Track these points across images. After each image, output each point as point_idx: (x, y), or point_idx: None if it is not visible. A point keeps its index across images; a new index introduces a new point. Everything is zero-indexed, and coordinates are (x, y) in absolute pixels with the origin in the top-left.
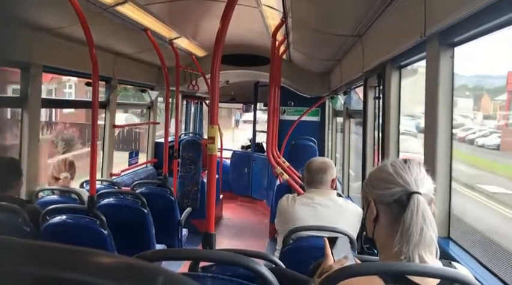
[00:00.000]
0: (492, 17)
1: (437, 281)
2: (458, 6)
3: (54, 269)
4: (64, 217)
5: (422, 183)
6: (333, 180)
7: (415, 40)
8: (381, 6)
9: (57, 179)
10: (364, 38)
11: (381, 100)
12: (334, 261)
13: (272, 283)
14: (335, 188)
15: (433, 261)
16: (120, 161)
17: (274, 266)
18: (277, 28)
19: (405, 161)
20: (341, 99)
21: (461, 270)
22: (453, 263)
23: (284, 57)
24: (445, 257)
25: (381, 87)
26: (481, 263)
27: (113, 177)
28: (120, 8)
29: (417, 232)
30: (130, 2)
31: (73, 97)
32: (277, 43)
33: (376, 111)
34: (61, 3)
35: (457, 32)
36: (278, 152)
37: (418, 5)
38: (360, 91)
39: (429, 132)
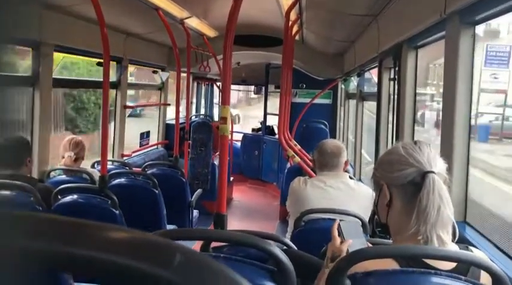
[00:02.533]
0: None
1: (454, 264)
2: None
3: (66, 244)
4: (75, 196)
5: (435, 162)
6: (346, 162)
7: (434, 19)
8: None
9: (64, 158)
10: (380, 18)
11: (396, 82)
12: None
13: (286, 264)
14: (347, 171)
15: (451, 243)
16: None
17: (286, 248)
18: (291, 7)
19: (415, 142)
20: (354, 81)
21: (478, 254)
22: (470, 247)
23: (297, 38)
24: (462, 241)
25: (397, 69)
26: (498, 248)
27: (124, 158)
28: None
29: (434, 211)
30: None
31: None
32: (290, 23)
33: (391, 92)
34: None
35: (479, 9)
36: (289, 135)
37: None
38: (374, 73)
39: (447, 114)
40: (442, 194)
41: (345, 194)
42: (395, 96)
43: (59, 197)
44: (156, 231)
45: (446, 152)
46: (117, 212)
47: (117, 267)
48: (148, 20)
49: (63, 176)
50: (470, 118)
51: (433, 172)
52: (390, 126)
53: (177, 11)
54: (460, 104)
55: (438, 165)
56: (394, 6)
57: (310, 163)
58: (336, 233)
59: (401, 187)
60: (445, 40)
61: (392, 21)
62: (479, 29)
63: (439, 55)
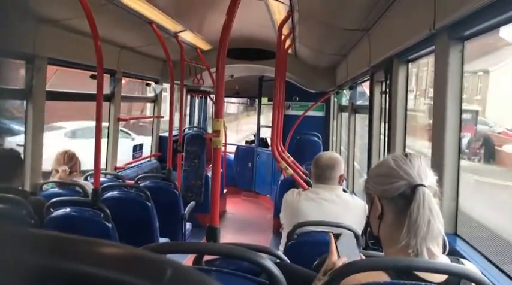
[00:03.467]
0: (504, 10)
1: (445, 277)
2: None
3: (58, 259)
4: (68, 209)
5: (426, 175)
6: (341, 176)
7: (424, 34)
8: None
9: (58, 172)
10: (371, 32)
11: (387, 95)
12: (339, 257)
13: (278, 277)
14: (341, 184)
15: (441, 256)
16: None
17: (278, 260)
18: (283, 21)
19: (406, 155)
20: (346, 94)
21: (469, 266)
22: (461, 259)
23: (289, 51)
24: (453, 253)
25: (388, 82)
26: (489, 260)
27: (117, 170)
28: (125, 0)
29: (425, 224)
30: None
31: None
32: (283, 37)
33: (383, 105)
34: None
35: (468, 25)
36: (283, 147)
37: None
38: (365, 86)
39: (437, 127)
40: (432, 207)
41: (339, 207)
42: (387, 109)
43: (52, 210)
44: (147, 245)
45: (437, 164)
46: (109, 225)
47: (108, 283)
48: (142, 33)
49: (56, 189)
50: (460, 131)
51: (423, 185)
52: (382, 137)
53: (171, 25)
54: (450, 118)
55: (429, 178)
56: (385, 21)
57: (303, 175)
58: (333, 247)
59: (392, 200)
60: (435, 55)
61: (383, 35)
62: None
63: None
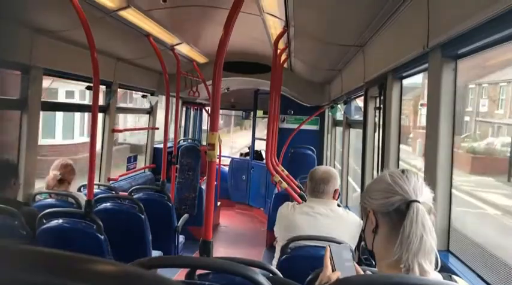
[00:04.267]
0: (497, 29)
1: None
2: (462, 18)
3: (50, 276)
4: (61, 220)
5: (421, 192)
6: (336, 191)
7: (418, 51)
8: (383, 16)
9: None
10: (366, 48)
11: (381, 111)
12: (334, 271)
13: None
14: (336, 199)
15: (433, 272)
16: None
17: (271, 275)
18: (279, 36)
19: (403, 171)
20: (341, 109)
21: (461, 283)
22: (453, 276)
23: (285, 65)
24: (445, 270)
25: (382, 98)
26: (481, 278)
27: (111, 182)
28: (122, 13)
29: (417, 239)
30: (133, 8)
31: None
32: (278, 51)
33: (377, 121)
34: (64, 6)
35: (460, 44)
36: (277, 161)
37: (421, 16)
38: (360, 101)
39: (430, 144)
40: (425, 223)
41: (333, 222)
42: (381, 125)
43: (44, 221)
44: (139, 259)
45: (430, 181)
46: (102, 237)
47: None
48: (139, 46)
49: (49, 200)
50: (453, 148)
51: (417, 201)
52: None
53: (167, 38)
54: (443, 134)
55: (424, 194)
56: (380, 38)
57: (297, 189)
58: (328, 261)
59: (386, 215)
60: (428, 72)
61: (377, 52)
62: None
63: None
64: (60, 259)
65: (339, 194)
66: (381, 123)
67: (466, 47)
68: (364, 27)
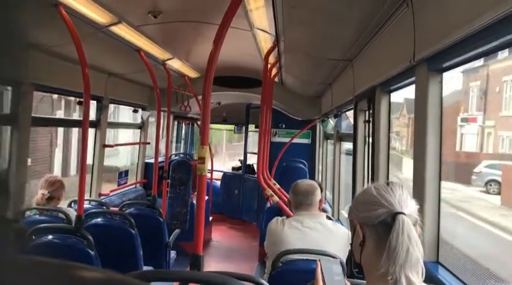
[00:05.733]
0: (480, 43)
1: None
2: (446, 32)
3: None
4: (50, 236)
5: (406, 204)
6: (320, 201)
7: (405, 65)
8: (371, 31)
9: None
10: (355, 62)
11: (370, 124)
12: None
13: None
14: (324, 211)
15: (420, 283)
16: None
17: None
18: (270, 51)
19: (388, 183)
20: (332, 122)
21: None
22: None
23: (276, 79)
24: (434, 281)
25: (371, 111)
26: None
27: (102, 197)
28: (113, 29)
29: (403, 252)
30: (124, 23)
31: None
32: (269, 66)
33: (366, 134)
34: (55, 22)
35: (445, 57)
36: (269, 174)
37: (407, 31)
38: (350, 114)
39: (418, 155)
40: (411, 235)
41: (323, 236)
42: (370, 138)
43: (34, 237)
44: (130, 272)
45: (418, 192)
46: (92, 253)
47: None
48: (130, 61)
49: (39, 216)
50: (441, 160)
51: (403, 213)
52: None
53: (158, 53)
54: (431, 146)
55: (409, 206)
56: (368, 52)
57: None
58: (319, 276)
59: (373, 227)
60: (415, 85)
61: (366, 65)
62: None
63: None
64: (48, 266)
65: (330, 207)
66: (370, 135)
67: (450, 60)
68: (352, 42)
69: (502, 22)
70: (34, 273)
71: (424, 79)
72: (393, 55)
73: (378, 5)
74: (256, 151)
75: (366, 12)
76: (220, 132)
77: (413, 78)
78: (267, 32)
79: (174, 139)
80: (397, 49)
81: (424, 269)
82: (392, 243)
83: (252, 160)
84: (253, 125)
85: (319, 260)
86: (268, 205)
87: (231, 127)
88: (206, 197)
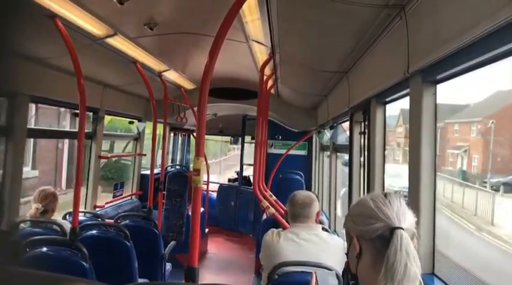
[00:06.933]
0: (473, 55)
1: None
2: (439, 45)
3: None
4: (45, 248)
5: (405, 217)
6: (317, 213)
7: (399, 77)
8: (366, 43)
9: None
10: (350, 74)
11: (366, 135)
12: None
13: None
14: (321, 222)
15: None
16: None
17: None
18: (265, 63)
19: (385, 195)
20: (328, 134)
21: None
22: None
23: (272, 91)
24: None
25: (366, 122)
26: None
27: (97, 209)
28: (109, 41)
29: (401, 268)
30: (120, 35)
31: None
32: (265, 77)
33: (362, 145)
34: (51, 34)
35: (439, 69)
36: (265, 186)
37: (401, 44)
38: (346, 126)
39: (413, 167)
40: (409, 251)
41: (318, 248)
42: (366, 149)
43: (28, 249)
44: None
45: (413, 204)
46: (87, 265)
47: None
48: (126, 72)
49: (33, 228)
50: (435, 171)
51: (401, 228)
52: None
53: (155, 64)
54: (425, 157)
55: (408, 220)
56: (363, 64)
57: (285, 215)
58: None
59: (370, 241)
60: (410, 97)
61: (361, 77)
62: None
63: None
64: (39, 279)
65: (327, 218)
66: (366, 146)
67: (444, 72)
68: (347, 54)
69: (495, 34)
70: None
71: (418, 91)
72: (387, 67)
73: (372, 17)
74: (252, 162)
75: (360, 25)
76: (216, 143)
77: (407, 90)
78: (262, 44)
79: (171, 150)
80: (392, 61)
81: (422, 284)
82: (390, 259)
83: (248, 171)
84: (250, 136)
85: (315, 273)
86: (265, 216)
87: (227, 138)
88: (202, 209)
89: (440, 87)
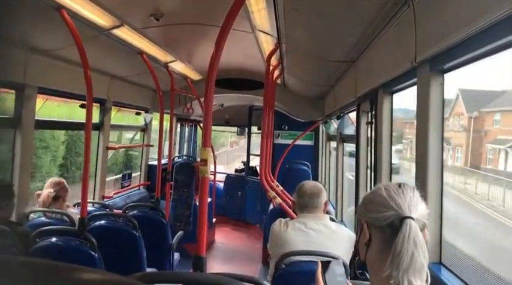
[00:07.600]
0: (481, 44)
1: None
2: (447, 33)
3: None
4: (54, 239)
5: (416, 208)
6: (325, 203)
7: (406, 66)
8: (373, 32)
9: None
10: (357, 64)
11: (373, 125)
12: None
13: None
14: (328, 212)
15: None
16: None
17: None
18: (272, 53)
19: (399, 185)
20: (334, 124)
21: None
22: None
23: (278, 81)
24: (437, 283)
25: (373, 112)
26: None
27: (105, 199)
28: (116, 32)
29: (408, 257)
30: (126, 26)
31: None
32: (271, 68)
33: (369, 135)
34: (58, 25)
35: (446, 59)
36: (272, 176)
37: (409, 32)
38: (353, 116)
39: (420, 156)
40: (417, 240)
41: (326, 237)
42: (373, 139)
43: (37, 240)
44: (133, 274)
45: (421, 193)
46: (96, 255)
47: None
48: (133, 63)
49: (43, 218)
50: (442, 161)
51: (411, 217)
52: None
53: (161, 55)
54: (433, 147)
55: (419, 210)
56: (370, 53)
57: (292, 205)
58: (319, 277)
59: (380, 229)
60: (417, 86)
61: (368, 67)
62: None
63: None
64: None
65: (333, 208)
66: (373, 137)
67: (452, 62)
68: (354, 44)
69: (503, 23)
70: (34, 276)
71: (425, 81)
72: (395, 56)
73: (379, 6)
74: (259, 153)
75: (367, 14)
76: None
77: (415, 79)
78: (268, 34)
79: (178, 141)
80: (399, 50)
81: (429, 275)
82: (397, 247)
83: (255, 162)
84: (256, 127)
85: (320, 261)
86: (272, 206)
87: (234, 129)
88: (209, 199)
89: (464, 71)
